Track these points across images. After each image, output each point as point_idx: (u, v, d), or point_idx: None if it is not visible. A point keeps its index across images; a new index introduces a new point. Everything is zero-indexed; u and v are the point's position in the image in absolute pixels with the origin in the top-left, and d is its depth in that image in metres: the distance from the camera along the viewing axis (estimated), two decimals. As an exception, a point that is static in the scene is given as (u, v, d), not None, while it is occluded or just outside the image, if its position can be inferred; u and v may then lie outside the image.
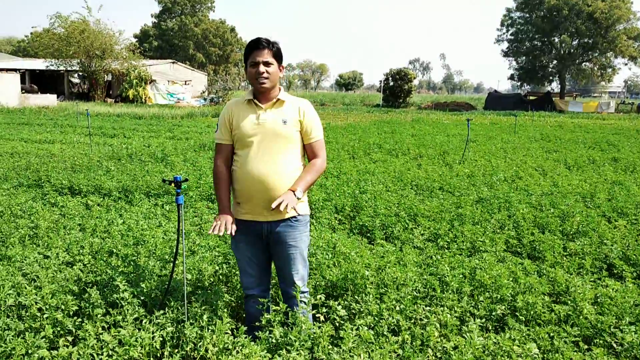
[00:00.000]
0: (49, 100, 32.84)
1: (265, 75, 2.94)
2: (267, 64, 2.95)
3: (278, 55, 3.00)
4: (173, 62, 46.57)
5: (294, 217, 3.07)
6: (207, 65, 66.64)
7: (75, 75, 44.37)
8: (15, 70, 36.15)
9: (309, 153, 3.11)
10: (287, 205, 2.78)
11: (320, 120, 3.15)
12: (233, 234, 2.99)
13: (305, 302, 3.17)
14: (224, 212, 3.03)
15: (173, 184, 3.08)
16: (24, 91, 34.32)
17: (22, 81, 37.39)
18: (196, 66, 61.38)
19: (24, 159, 10.22)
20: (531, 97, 46.96)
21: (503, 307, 3.61)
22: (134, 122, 22.08)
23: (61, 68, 39.62)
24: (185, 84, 43.72)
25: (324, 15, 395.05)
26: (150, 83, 40.02)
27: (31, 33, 52.57)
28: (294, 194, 2.88)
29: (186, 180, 3.14)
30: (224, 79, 43.16)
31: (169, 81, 42.08)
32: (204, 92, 42.75)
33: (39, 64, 41.76)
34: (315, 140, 3.08)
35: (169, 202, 6.74)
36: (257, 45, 2.94)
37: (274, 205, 2.80)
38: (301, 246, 3.11)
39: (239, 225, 3.10)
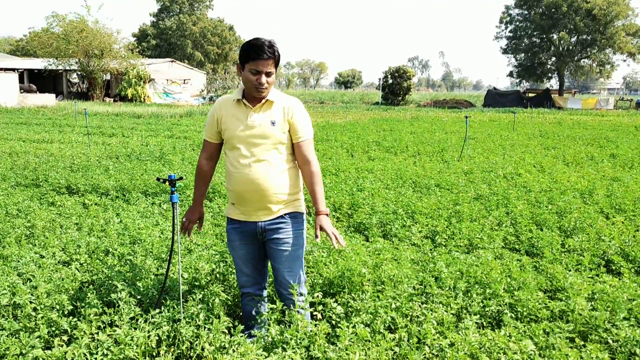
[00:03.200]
0: (48, 99, 32.78)
1: (265, 86, 2.86)
2: (269, 74, 2.86)
3: (278, 62, 2.92)
4: (172, 61, 46.51)
5: (288, 213, 3.05)
6: (205, 64, 66.56)
7: (74, 74, 44.32)
8: (13, 69, 36.12)
9: (297, 153, 3.02)
10: (336, 237, 2.90)
11: (310, 119, 3.08)
12: (191, 238, 3.20)
13: (301, 302, 3.14)
14: (193, 208, 3.23)
15: (167, 183, 3.07)
16: (22, 91, 34.28)
17: (21, 81, 37.36)
18: (195, 65, 61.29)
19: (22, 159, 10.20)
20: (530, 94, 46.90)
21: (498, 303, 3.60)
22: (132, 121, 22.06)
23: (60, 67, 39.57)
24: (184, 82, 43.67)
25: (322, 14, 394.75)
26: (148, 82, 39.96)
27: (29, 32, 52.46)
28: (326, 216, 2.96)
29: (181, 178, 3.13)
30: (223, 77, 43.09)
31: (167, 80, 42.03)
32: (202, 90, 42.67)
33: (37, 64, 41.70)
34: (303, 139, 2.99)
35: (167, 201, 6.74)
36: (261, 54, 2.79)
37: (318, 240, 2.94)
38: (295, 243, 3.08)
39: (233, 224, 3.10)
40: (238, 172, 2.95)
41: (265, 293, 3.33)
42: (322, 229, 2.93)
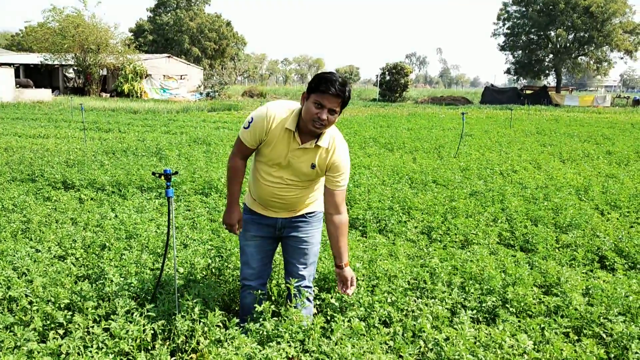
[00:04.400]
0: (44, 94, 32.64)
1: (325, 123, 2.69)
2: (332, 111, 2.69)
3: (345, 104, 2.75)
4: (168, 57, 46.34)
5: (309, 212, 3.08)
6: (202, 59, 66.33)
7: (70, 69, 44.13)
8: (9, 64, 35.92)
9: (328, 199, 2.93)
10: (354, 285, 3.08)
11: (349, 166, 2.99)
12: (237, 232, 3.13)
13: (309, 298, 3.18)
14: (232, 210, 3.07)
15: (163, 177, 3.07)
16: (18, 85, 34.11)
17: (17, 75, 37.14)
18: (192, 60, 61.04)
19: (18, 154, 10.17)
20: (527, 91, 46.98)
21: (494, 298, 3.61)
22: (129, 116, 21.99)
23: (56, 62, 39.39)
24: (181, 78, 43.54)
25: (320, 9, 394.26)
26: (145, 77, 39.83)
27: (25, 27, 52.22)
28: (350, 269, 3.06)
29: (176, 173, 3.13)
30: (220, 73, 42.97)
31: (164, 76, 41.89)
32: (199, 86, 42.54)
33: (33, 59, 41.48)
34: (339, 189, 2.91)
35: (162, 196, 6.73)
36: (330, 88, 2.64)
37: (350, 292, 3.07)
38: (313, 241, 3.11)
39: (252, 215, 3.11)
40: (266, 184, 2.95)
41: (266, 289, 3.34)
42: (351, 282, 3.04)
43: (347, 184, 3.00)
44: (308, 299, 3.18)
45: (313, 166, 2.85)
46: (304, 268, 3.13)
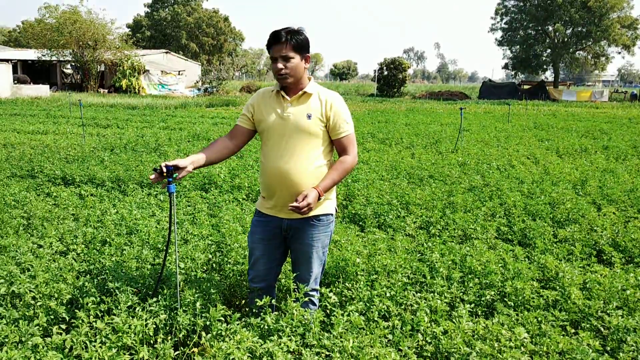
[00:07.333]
0: (42, 90, 32.56)
1: (284, 71, 2.79)
2: (286, 58, 2.77)
3: (300, 47, 2.79)
4: (166, 52, 46.29)
5: (316, 216, 3.01)
6: (200, 55, 66.20)
7: (68, 65, 44.04)
8: (7, 60, 35.80)
9: (337, 149, 2.98)
10: (305, 207, 2.73)
11: (350, 114, 2.99)
12: (152, 180, 2.83)
13: (313, 301, 3.17)
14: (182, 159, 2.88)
15: (165, 173, 3.07)
16: (16, 81, 34.01)
17: (14, 71, 37.04)
18: (189, 56, 60.93)
19: (18, 150, 10.18)
20: (525, 86, 46.97)
21: (492, 292, 3.65)
22: (127, 112, 21.97)
23: (54, 58, 39.30)
24: (179, 74, 43.46)
25: (318, 4, 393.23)
26: (143, 73, 39.75)
27: (22, 23, 52.07)
28: (317, 193, 2.80)
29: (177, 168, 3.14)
30: (218, 68, 42.90)
31: (162, 71, 41.81)
32: (197, 82, 42.47)
33: (31, 55, 41.37)
34: (343, 135, 2.92)
35: (162, 192, 6.75)
36: (274, 39, 2.76)
37: (291, 205, 2.75)
38: (318, 245, 3.05)
39: (260, 217, 3.10)
40: (269, 164, 2.93)
41: (274, 291, 3.33)
42: (304, 198, 2.74)
43: (353, 130, 2.98)
44: (313, 302, 3.18)
45: (309, 116, 2.87)
46: (310, 272, 3.11)
